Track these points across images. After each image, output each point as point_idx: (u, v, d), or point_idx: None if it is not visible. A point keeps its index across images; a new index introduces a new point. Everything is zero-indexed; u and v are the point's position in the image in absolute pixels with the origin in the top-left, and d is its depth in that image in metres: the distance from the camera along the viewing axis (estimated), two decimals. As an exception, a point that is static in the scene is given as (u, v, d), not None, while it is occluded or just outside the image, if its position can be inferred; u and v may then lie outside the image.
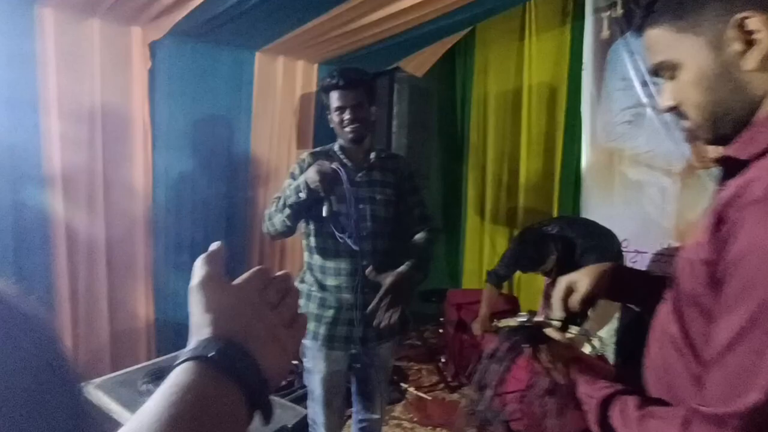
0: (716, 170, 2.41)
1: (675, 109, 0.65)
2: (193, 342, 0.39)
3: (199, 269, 0.43)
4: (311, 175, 1.46)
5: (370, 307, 1.54)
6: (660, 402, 0.64)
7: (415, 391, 2.89)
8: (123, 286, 2.40)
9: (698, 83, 0.60)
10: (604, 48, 3.07)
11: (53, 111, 2.07)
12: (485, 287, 2.79)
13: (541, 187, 3.49)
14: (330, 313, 1.68)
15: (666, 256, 2.88)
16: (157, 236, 2.52)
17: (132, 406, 1.80)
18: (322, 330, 1.69)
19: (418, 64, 3.50)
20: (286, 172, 3.08)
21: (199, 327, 0.40)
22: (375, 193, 1.66)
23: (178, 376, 0.35)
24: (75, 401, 0.43)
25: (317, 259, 1.71)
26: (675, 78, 0.63)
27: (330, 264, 1.68)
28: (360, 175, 1.67)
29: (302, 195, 1.49)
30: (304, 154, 1.72)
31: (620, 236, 3.04)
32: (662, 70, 0.64)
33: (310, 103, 3.16)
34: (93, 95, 2.20)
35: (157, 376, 1.96)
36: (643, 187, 2.96)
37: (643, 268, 2.96)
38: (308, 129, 3.18)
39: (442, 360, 3.16)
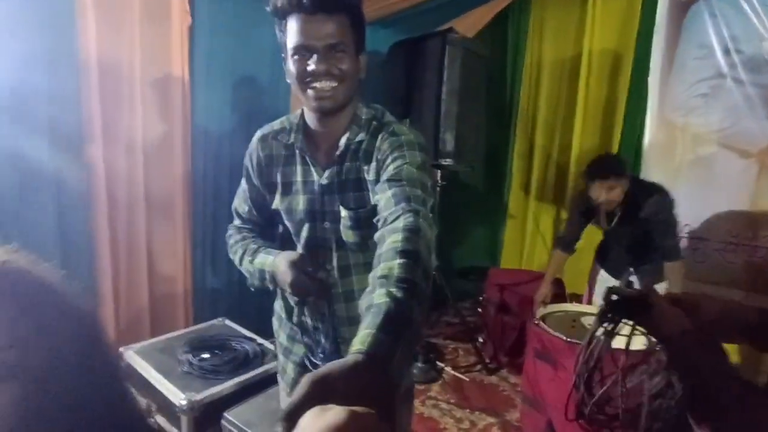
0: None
1: None
2: None
3: None
4: (283, 275, 1.00)
5: None
6: None
7: (452, 371, 2.81)
8: (162, 253, 2.37)
9: None
10: (681, 10, 2.75)
11: (93, 69, 1.99)
12: (551, 254, 2.62)
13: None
14: (299, 351, 1.19)
15: (734, 245, 2.64)
16: (195, 201, 2.47)
17: (170, 373, 1.79)
18: (289, 369, 1.22)
19: (470, 24, 3.24)
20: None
21: None
22: (346, 203, 1.03)
23: None
24: (113, 374, 0.49)
25: None
26: None
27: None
28: (327, 174, 1.03)
29: (269, 286, 1.07)
30: (257, 136, 1.14)
31: (682, 222, 2.82)
32: None
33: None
34: (132, 53, 2.11)
35: (196, 346, 1.93)
36: (715, 169, 2.70)
37: (704, 257, 2.74)
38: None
39: (480, 340, 3.06)
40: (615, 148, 3.12)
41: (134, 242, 2.24)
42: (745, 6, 2.52)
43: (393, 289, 0.65)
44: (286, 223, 1.12)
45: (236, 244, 1.17)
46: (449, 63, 2.62)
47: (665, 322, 0.74)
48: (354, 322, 0.93)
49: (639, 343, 2.16)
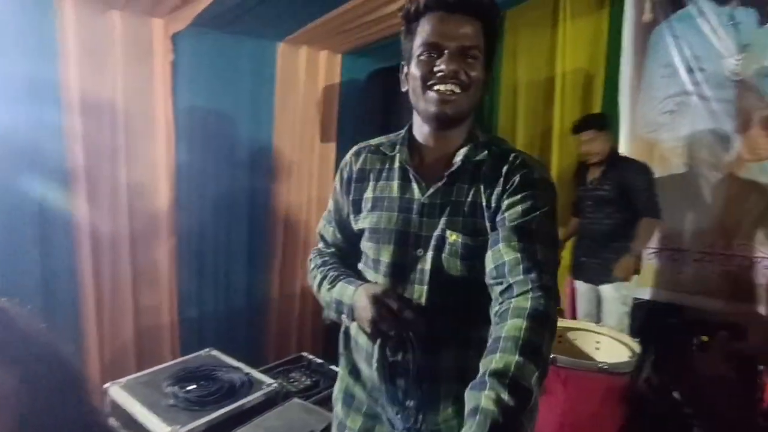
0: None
1: None
2: None
3: None
4: (362, 310, 0.88)
5: None
6: None
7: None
8: (147, 285, 2.38)
9: None
10: (645, 32, 2.88)
11: (75, 106, 2.04)
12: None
13: (574, 171, 3.33)
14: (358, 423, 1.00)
15: (710, 255, 2.71)
16: (180, 232, 2.49)
17: (155, 406, 1.78)
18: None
19: (445, 52, 3.35)
20: (309, 165, 3.05)
21: None
22: (454, 227, 0.89)
23: None
24: (94, 420, 0.51)
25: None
26: None
27: (362, 340, 0.99)
28: (430, 192, 0.91)
29: (345, 321, 0.96)
30: (352, 150, 1.05)
31: (660, 233, 2.89)
32: None
33: (334, 94, 3.07)
34: (115, 89, 2.16)
35: (182, 378, 1.93)
36: (686, 182, 2.79)
37: (684, 267, 2.81)
38: (332, 121, 3.10)
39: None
40: (591, 165, 3.21)
41: (118, 276, 2.25)
42: (704, 27, 2.65)
43: (505, 397, 0.62)
44: (367, 245, 0.97)
45: (316, 269, 1.05)
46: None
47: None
48: (433, 376, 0.88)
49: (624, 354, 2.17)
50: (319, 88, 3.00)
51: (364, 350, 0.98)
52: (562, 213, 3.02)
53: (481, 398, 0.63)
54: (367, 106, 3.05)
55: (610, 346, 2.26)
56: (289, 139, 2.90)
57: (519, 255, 0.79)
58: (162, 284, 2.41)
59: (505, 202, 0.86)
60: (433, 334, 0.89)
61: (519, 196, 0.86)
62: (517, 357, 0.66)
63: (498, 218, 0.86)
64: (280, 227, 2.90)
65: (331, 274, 1.01)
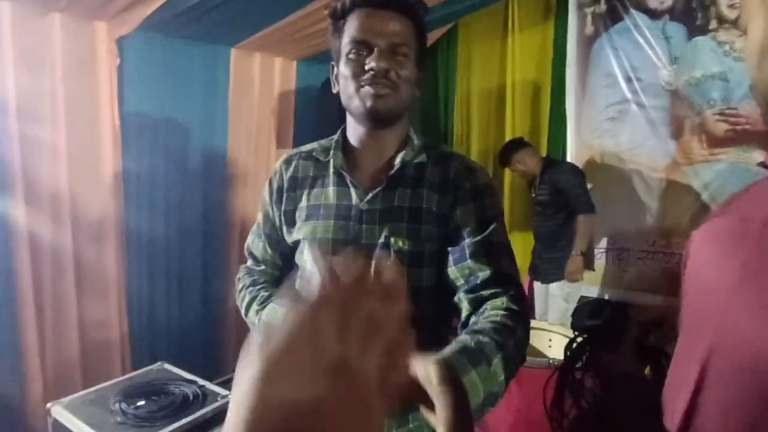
0: (701, 168, 2.37)
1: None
2: None
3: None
4: None
5: None
6: None
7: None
8: (93, 297, 2.27)
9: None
10: (587, 44, 3.04)
11: (12, 112, 1.93)
12: None
13: (526, 184, 3.46)
14: None
15: (652, 253, 2.87)
16: (129, 242, 2.40)
17: (102, 425, 1.70)
18: None
19: (401, 60, 3.41)
20: (266, 172, 3.01)
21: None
22: (397, 234, 0.86)
23: None
24: None
25: None
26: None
27: None
28: (369, 198, 0.88)
29: None
30: (282, 158, 1.01)
31: (607, 233, 3.04)
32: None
33: (289, 101, 3.06)
34: (55, 94, 2.07)
35: (131, 393, 1.85)
36: (629, 184, 2.95)
37: (630, 266, 2.96)
38: (288, 128, 3.08)
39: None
40: (542, 170, 3.34)
41: (61, 287, 2.14)
42: (640, 39, 2.83)
43: (482, 338, 0.66)
44: (304, 257, 0.92)
45: (244, 289, 0.99)
46: (381, 96, 2.74)
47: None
48: None
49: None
50: (275, 95, 2.98)
51: None
52: (522, 219, 3.17)
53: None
54: (323, 112, 3.06)
55: (561, 342, 2.34)
56: (244, 146, 2.86)
57: (489, 270, 0.80)
58: (110, 295, 2.31)
59: (458, 212, 0.86)
60: None
61: (471, 206, 0.86)
62: (491, 330, 0.69)
63: (451, 228, 0.85)
64: (236, 234, 2.85)
65: (261, 294, 0.95)
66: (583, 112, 3.08)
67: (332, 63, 0.91)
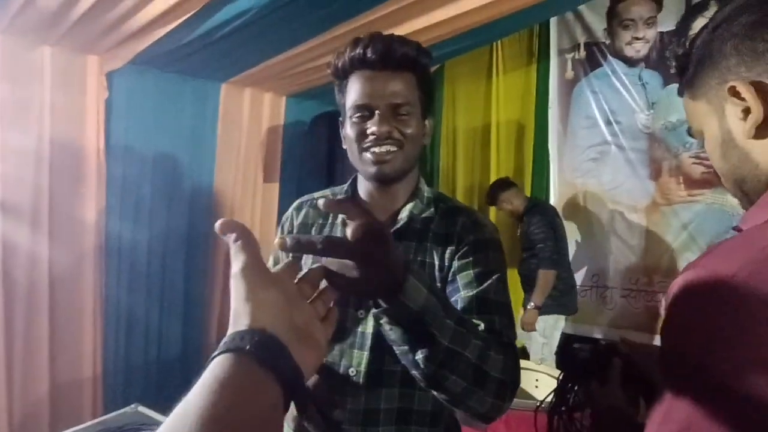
0: (680, 208, 2.45)
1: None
2: (231, 331, 0.40)
3: (239, 255, 0.44)
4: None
5: None
6: None
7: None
8: (67, 335, 2.18)
9: (713, 151, 0.58)
10: (568, 87, 3.16)
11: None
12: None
13: (511, 222, 3.50)
14: None
15: (635, 291, 2.91)
16: (109, 278, 2.33)
17: (71, 475, 1.59)
18: None
19: (388, 98, 3.49)
20: (252, 207, 2.99)
21: (238, 316, 0.41)
22: None
23: (215, 369, 0.37)
24: None
25: None
26: (704, 144, 0.61)
27: None
28: None
29: None
30: (294, 204, 1.02)
31: (590, 271, 3.07)
32: (695, 136, 0.63)
33: (277, 136, 3.08)
34: (42, 126, 2.04)
35: (102, 439, 1.75)
36: (610, 223, 3.01)
37: (613, 304, 2.98)
38: (276, 163, 3.08)
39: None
40: (526, 208, 3.40)
41: (34, 325, 2.05)
42: (618, 84, 2.96)
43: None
44: None
45: None
46: (369, 133, 2.78)
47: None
48: None
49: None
50: (263, 130, 3.00)
51: None
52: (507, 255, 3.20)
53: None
54: (311, 148, 3.08)
55: (548, 382, 2.32)
56: (231, 181, 2.84)
57: (481, 326, 0.76)
58: (85, 335, 2.22)
59: (457, 264, 0.84)
60: (369, 406, 0.83)
61: (471, 259, 0.83)
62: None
63: (450, 280, 0.84)
64: (220, 272, 2.79)
65: None
66: (566, 152, 3.18)
67: (340, 119, 0.92)
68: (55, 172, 2.09)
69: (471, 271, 0.82)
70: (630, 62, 2.91)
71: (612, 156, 2.99)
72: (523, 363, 2.49)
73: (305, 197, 1.01)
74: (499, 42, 3.45)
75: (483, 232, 0.87)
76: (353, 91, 0.84)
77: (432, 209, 0.90)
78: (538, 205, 2.93)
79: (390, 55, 0.82)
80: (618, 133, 2.95)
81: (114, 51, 2.11)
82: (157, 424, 1.94)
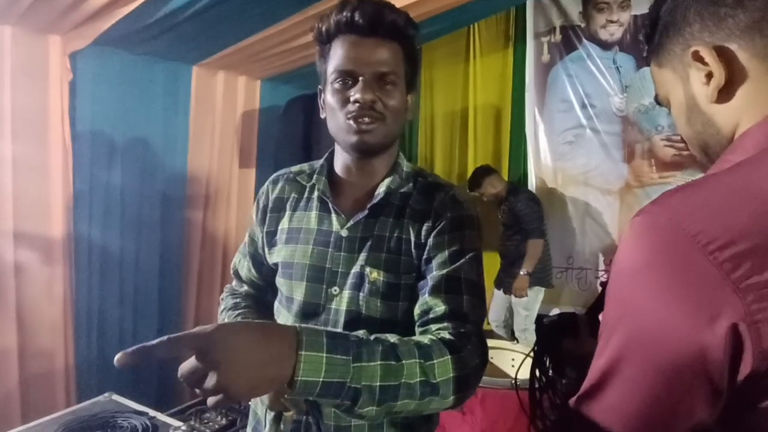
0: (651, 190, 2.50)
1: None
2: None
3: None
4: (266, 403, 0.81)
5: None
6: None
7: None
8: (36, 323, 2.12)
9: (679, 117, 0.60)
10: (544, 71, 3.18)
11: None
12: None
13: (489, 205, 3.53)
14: None
15: (607, 273, 2.97)
16: (79, 264, 2.27)
17: (42, 464, 1.57)
18: None
19: (366, 82, 3.46)
20: (227, 191, 2.94)
21: None
22: (375, 264, 0.83)
23: None
24: None
25: None
26: (670, 112, 0.63)
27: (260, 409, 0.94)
28: (350, 224, 0.86)
29: None
30: (271, 178, 0.99)
31: (565, 253, 3.13)
32: (662, 104, 0.64)
33: (253, 121, 3.02)
34: (2, 110, 1.97)
35: (74, 428, 1.72)
36: (585, 206, 3.06)
37: (588, 285, 3.04)
38: (252, 149, 3.04)
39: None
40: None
41: (0, 314, 2.00)
42: (593, 67, 2.98)
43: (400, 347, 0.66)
44: (281, 281, 0.90)
45: (225, 311, 0.95)
46: (345, 117, 2.76)
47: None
48: None
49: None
50: (238, 114, 2.94)
51: (255, 420, 0.91)
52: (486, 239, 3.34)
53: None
54: (287, 132, 3.04)
55: (524, 362, 2.36)
56: (206, 167, 2.79)
57: (445, 307, 0.76)
58: (55, 322, 2.17)
59: (432, 241, 0.82)
60: None
61: (447, 237, 0.82)
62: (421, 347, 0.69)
63: (424, 257, 0.82)
64: (195, 257, 2.75)
65: (240, 320, 0.91)
66: (542, 136, 3.20)
67: (319, 87, 0.88)
68: (18, 159, 2.02)
69: (446, 251, 0.81)
70: (604, 45, 2.94)
71: (587, 139, 3.03)
72: (499, 343, 2.54)
73: (282, 171, 0.98)
74: (475, 25, 3.44)
75: (461, 209, 0.85)
76: (337, 57, 0.80)
77: (411, 184, 0.88)
78: (520, 188, 3.11)
79: (379, 22, 0.79)
80: (593, 117, 2.99)
81: (76, 30, 2.03)
82: (130, 411, 1.93)
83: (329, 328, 0.69)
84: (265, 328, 0.60)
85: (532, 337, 2.88)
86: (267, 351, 0.56)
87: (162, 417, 1.87)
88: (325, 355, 0.58)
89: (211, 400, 0.55)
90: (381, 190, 0.86)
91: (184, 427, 1.81)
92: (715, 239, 0.41)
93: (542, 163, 3.21)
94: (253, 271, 0.99)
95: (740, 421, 0.44)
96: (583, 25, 3.01)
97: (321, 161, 0.94)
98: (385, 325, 0.81)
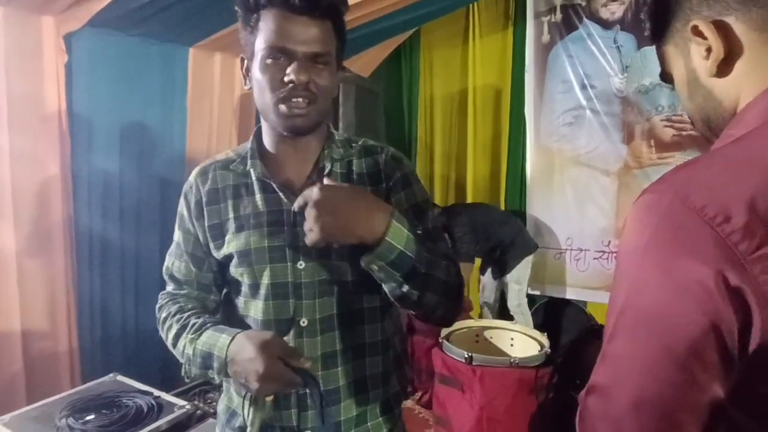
0: (650, 170, 2.50)
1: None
2: None
3: None
4: (248, 363, 0.74)
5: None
6: None
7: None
8: (39, 306, 2.14)
9: (681, 92, 0.61)
10: (544, 51, 3.14)
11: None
12: None
13: (488, 187, 3.53)
14: None
15: (607, 253, 2.98)
16: (80, 246, 2.28)
17: (49, 443, 1.60)
18: None
19: (364, 64, 3.43)
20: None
21: None
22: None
23: None
24: None
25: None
26: (674, 88, 0.64)
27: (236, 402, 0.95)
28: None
29: (214, 377, 0.82)
30: (195, 170, 0.95)
31: (564, 234, 3.14)
32: (666, 80, 0.64)
33: (251, 102, 3.00)
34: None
35: (79, 408, 1.75)
36: (584, 187, 3.06)
37: (587, 266, 3.06)
38: (250, 130, 3.01)
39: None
40: (503, 173, 3.43)
41: (3, 298, 2.01)
42: (593, 47, 2.95)
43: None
44: (239, 270, 0.86)
45: (170, 317, 0.89)
46: (344, 99, 2.75)
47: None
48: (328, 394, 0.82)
49: (534, 349, 2.32)
50: (236, 96, 2.92)
51: (239, 416, 0.87)
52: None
53: None
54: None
55: (523, 341, 2.40)
56: (205, 149, 2.78)
57: None
58: (58, 304, 2.19)
59: (392, 202, 0.87)
60: (325, 350, 0.85)
61: (403, 195, 0.89)
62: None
63: None
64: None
65: (192, 321, 0.85)
66: (542, 117, 3.18)
67: (242, 56, 0.85)
68: (15, 141, 2.01)
69: (407, 207, 0.88)
70: (605, 24, 2.90)
71: (587, 120, 3.01)
72: (499, 323, 2.57)
73: (207, 162, 0.95)
74: (475, 6, 3.40)
75: (404, 166, 0.92)
76: (268, 31, 0.77)
77: (350, 150, 0.91)
78: (458, 207, 3.09)
79: (313, 0, 0.77)
80: (593, 98, 2.97)
81: (70, 11, 2.00)
82: (135, 390, 1.96)
83: None
84: (369, 193, 0.79)
85: (527, 311, 2.95)
86: (369, 204, 0.73)
87: (166, 396, 1.91)
88: (407, 232, 0.73)
89: (312, 235, 0.70)
90: (326, 161, 0.88)
91: (188, 407, 1.84)
92: (720, 212, 0.42)
93: (542, 144, 3.20)
94: (193, 269, 0.93)
95: (755, 402, 0.44)
96: (583, 3, 2.97)
97: (247, 144, 0.91)
98: (357, 287, 0.86)
